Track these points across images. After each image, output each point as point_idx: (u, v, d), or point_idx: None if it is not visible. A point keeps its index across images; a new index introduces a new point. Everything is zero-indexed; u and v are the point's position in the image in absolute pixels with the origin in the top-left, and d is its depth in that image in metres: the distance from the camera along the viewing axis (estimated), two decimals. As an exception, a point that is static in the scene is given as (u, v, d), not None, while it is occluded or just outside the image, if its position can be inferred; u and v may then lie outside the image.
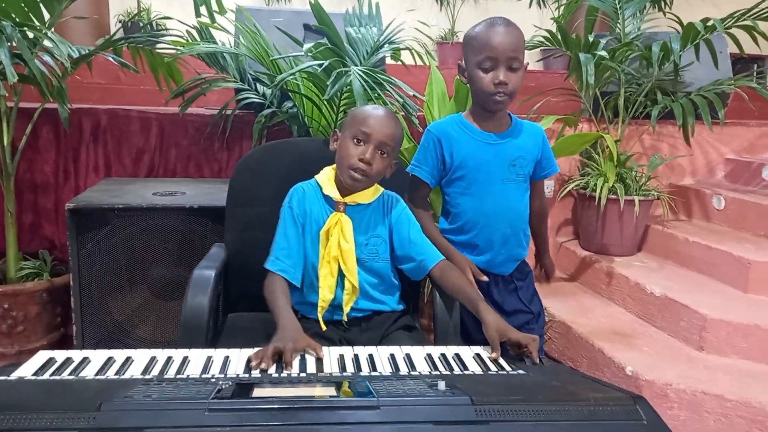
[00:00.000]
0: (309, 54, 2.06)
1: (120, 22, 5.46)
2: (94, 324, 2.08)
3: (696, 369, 2.14)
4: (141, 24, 5.32)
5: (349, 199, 1.46)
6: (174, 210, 2.04)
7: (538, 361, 1.18)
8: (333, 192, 1.46)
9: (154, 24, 5.22)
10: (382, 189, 1.53)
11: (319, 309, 1.45)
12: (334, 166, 1.49)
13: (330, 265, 1.43)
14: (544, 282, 1.90)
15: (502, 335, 1.25)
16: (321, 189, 1.48)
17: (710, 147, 3.38)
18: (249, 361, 1.12)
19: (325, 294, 1.44)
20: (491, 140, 1.62)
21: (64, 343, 2.35)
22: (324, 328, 1.46)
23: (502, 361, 1.18)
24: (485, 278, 1.57)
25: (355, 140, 1.40)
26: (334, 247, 1.43)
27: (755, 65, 5.39)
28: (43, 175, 2.53)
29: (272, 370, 1.10)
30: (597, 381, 1.05)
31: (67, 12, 2.25)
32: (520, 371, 1.12)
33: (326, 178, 1.49)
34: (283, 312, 1.33)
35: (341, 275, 1.45)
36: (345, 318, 1.47)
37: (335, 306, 1.47)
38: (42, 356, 1.09)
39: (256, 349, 1.15)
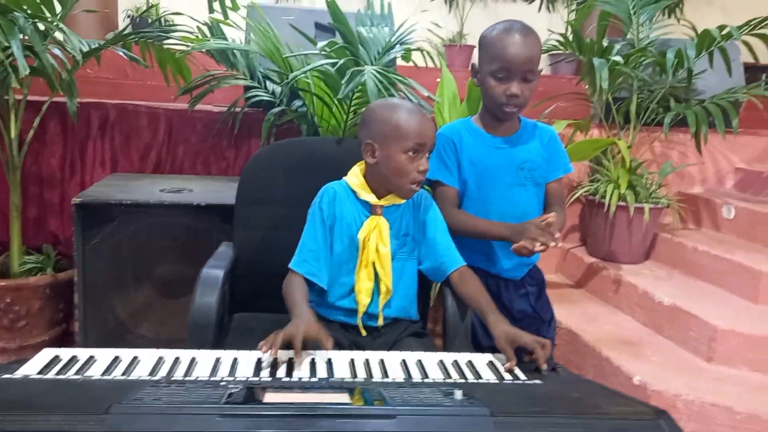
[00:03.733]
0: (322, 52, 2.04)
1: (129, 17, 5.44)
2: (96, 321, 2.06)
3: (705, 380, 2.11)
4: (149, 20, 5.30)
5: (385, 201, 1.43)
6: (181, 207, 2.02)
7: (544, 367, 1.15)
8: (369, 196, 1.43)
9: (162, 20, 5.20)
10: None
11: (359, 313, 1.43)
12: (361, 166, 1.46)
13: (367, 269, 1.41)
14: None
15: (513, 343, 1.22)
16: (353, 192, 1.45)
17: (720, 156, 3.36)
18: (259, 348, 1.12)
19: (363, 298, 1.42)
20: (499, 144, 1.60)
21: (65, 339, 2.33)
22: (364, 333, 1.44)
23: (517, 370, 1.15)
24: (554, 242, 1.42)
25: (410, 153, 1.36)
26: (372, 252, 1.40)
27: (764, 75, 5.36)
28: (49, 168, 2.51)
29: (282, 373, 1.07)
30: (618, 393, 1.02)
31: (76, 6, 2.23)
32: (536, 381, 1.09)
33: (358, 181, 1.45)
34: (299, 305, 1.31)
35: (376, 278, 1.42)
36: (381, 322, 1.45)
37: (365, 314, 1.45)
38: (47, 354, 1.06)
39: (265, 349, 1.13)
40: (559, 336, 2.59)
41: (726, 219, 3.01)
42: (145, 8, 5.29)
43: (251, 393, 0.90)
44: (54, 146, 2.49)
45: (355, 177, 1.46)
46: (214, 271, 1.42)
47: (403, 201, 1.46)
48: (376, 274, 1.42)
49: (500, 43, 1.49)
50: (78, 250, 1.97)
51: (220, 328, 1.66)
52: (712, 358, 2.22)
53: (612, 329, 2.53)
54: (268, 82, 2.53)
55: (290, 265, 1.41)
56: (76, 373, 1.00)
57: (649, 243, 2.95)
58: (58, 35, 2.02)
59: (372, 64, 2.31)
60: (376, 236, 1.40)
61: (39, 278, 2.22)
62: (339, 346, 1.39)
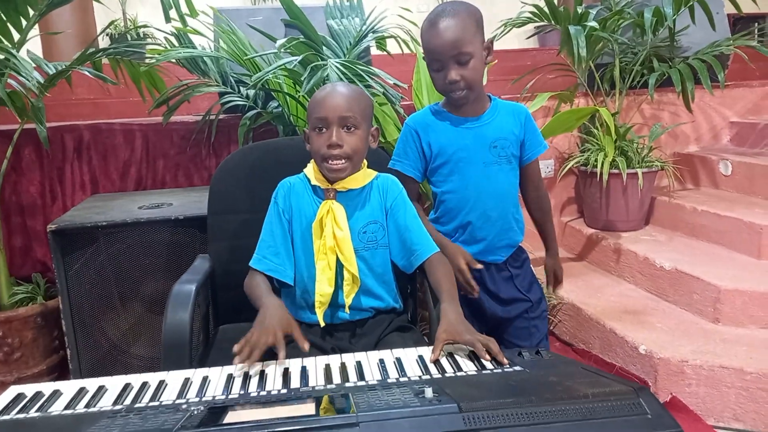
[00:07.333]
0: (286, 50, 1.99)
1: (107, 34, 5.41)
2: (88, 346, 2.04)
3: (712, 343, 2.06)
4: (128, 34, 5.27)
5: (338, 185, 1.38)
6: (160, 222, 1.98)
7: (505, 361, 1.08)
8: (320, 181, 1.39)
9: (141, 34, 5.18)
10: (375, 172, 1.45)
11: (317, 305, 1.37)
12: None
13: (327, 256, 1.35)
14: (552, 288, 1.83)
15: (451, 337, 1.16)
16: (309, 182, 1.41)
17: (713, 111, 3.28)
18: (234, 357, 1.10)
19: (324, 288, 1.35)
20: (468, 124, 1.57)
21: (64, 366, 2.30)
22: (323, 323, 1.38)
23: (502, 358, 1.10)
24: (479, 266, 1.52)
25: (316, 130, 1.34)
26: (329, 237, 1.34)
27: (756, 24, 5.24)
28: (29, 196, 2.48)
29: (253, 387, 1.03)
30: (598, 372, 0.97)
31: (53, 26, 2.19)
32: (517, 367, 1.05)
33: (312, 169, 1.42)
34: (264, 294, 1.30)
35: (339, 267, 1.36)
36: (347, 310, 1.38)
37: (334, 306, 1.39)
38: (11, 392, 1.03)
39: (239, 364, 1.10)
40: (562, 311, 2.55)
41: (723, 175, 2.95)
42: (121, 24, 5.25)
43: (211, 414, 0.86)
44: (31, 174, 2.46)
45: (310, 166, 1.43)
46: (186, 286, 1.37)
47: (360, 186, 1.40)
48: (339, 263, 1.36)
49: (425, 36, 1.48)
50: (60, 276, 1.95)
51: (205, 343, 1.64)
52: (718, 319, 2.18)
53: (616, 299, 2.49)
54: (241, 87, 2.49)
55: (250, 263, 1.38)
56: (37, 410, 0.96)
57: (647, 208, 2.90)
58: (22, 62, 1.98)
59: (344, 56, 2.26)
60: (331, 221, 1.35)
61: (28, 308, 2.19)
62: (321, 351, 1.35)
